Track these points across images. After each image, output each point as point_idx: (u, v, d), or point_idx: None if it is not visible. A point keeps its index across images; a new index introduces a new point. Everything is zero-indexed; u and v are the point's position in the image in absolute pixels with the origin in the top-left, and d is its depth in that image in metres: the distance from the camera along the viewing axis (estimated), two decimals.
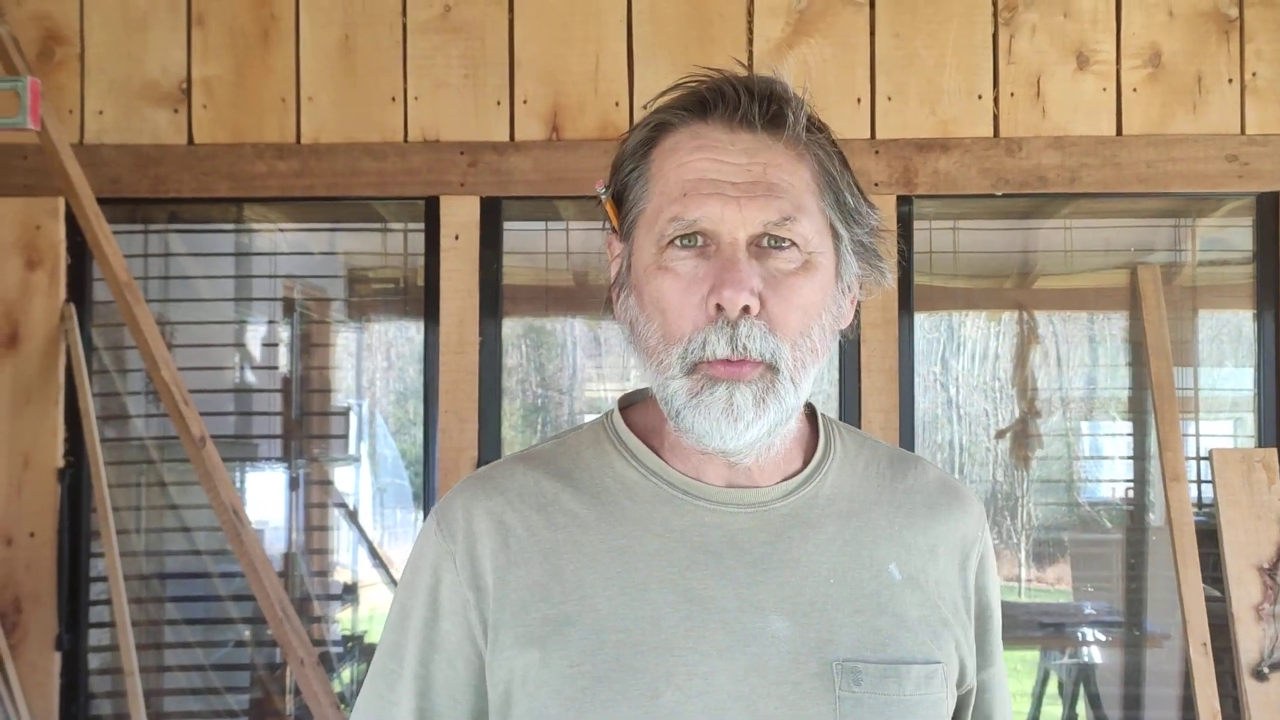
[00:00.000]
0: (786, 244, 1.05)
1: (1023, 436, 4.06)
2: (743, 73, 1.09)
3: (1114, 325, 3.94)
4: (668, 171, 1.07)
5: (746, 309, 1.02)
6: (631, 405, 1.19)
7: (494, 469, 1.15)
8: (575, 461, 1.14)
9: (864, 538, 1.12)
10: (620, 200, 1.11)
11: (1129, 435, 3.98)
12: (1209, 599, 3.09)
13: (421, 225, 3.14)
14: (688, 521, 1.09)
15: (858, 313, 3.22)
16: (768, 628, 1.05)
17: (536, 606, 1.06)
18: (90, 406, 3.00)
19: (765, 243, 1.04)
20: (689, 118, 1.07)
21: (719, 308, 1.02)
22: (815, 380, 1.09)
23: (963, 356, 4.19)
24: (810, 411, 1.19)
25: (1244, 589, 2.99)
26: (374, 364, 4.28)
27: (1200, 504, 3.41)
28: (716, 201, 1.03)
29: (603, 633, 1.04)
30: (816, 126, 1.09)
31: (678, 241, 1.04)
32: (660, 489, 1.10)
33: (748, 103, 1.06)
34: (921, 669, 1.07)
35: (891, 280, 1.15)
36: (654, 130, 1.09)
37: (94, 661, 3.13)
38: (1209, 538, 3.14)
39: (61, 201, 3.04)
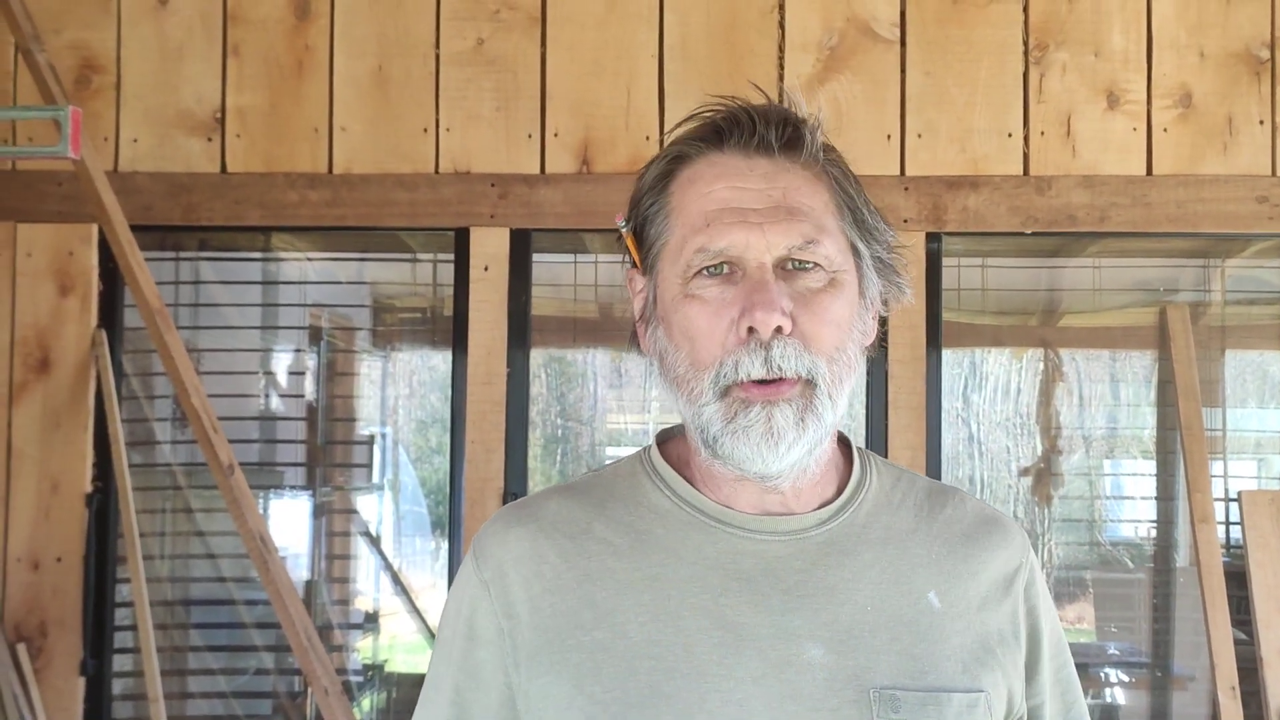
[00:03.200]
0: (810, 265, 1.06)
1: (1046, 474, 4.05)
2: (757, 98, 1.11)
3: (1141, 364, 3.94)
4: (689, 203, 1.07)
5: (779, 329, 1.03)
6: (668, 440, 1.19)
7: (528, 499, 1.16)
8: (609, 492, 1.14)
9: (901, 565, 1.11)
10: (640, 235, 1.12)
11: (1153, 475, 3.97)
12: (1236, 642, 3.07)
13: (450, 256, 3.15)
14: (721, 549, 1.08)
15: (885, 347, 3.22)
16: (803, 655, 1.04)
17: (570, 634, 1.05)
18: (119, 432, 3.01)
19: (789, 265, 1.05)
20: (705, 148, 1.08)
21: (751, 330, 1.02)
22: (846, 405, 1.09)
23: (986, 392, 4.18)
24: (845, 442, 1.18)
25: (1273, 632, 2.97)
26: (399, 393, 4.30)
27: (1228, 545, 3.39)
28: (741, 229, 1.04)
29: (635, 659, 1.03)
30: (829, 147, 1.11)
31: (704, 271, 1.05)
32: (693, 517, 1.10)
33: (763, 128, 1.07)
34: (963, 697, 1.05)
35: (911, 296, 1.17)
36: (671, 163, 1.10)
37: (117, 687, 3.13)
38: (1236, 580, 3.12)
39: (95, 228, 3.06)
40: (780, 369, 1.03)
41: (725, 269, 1.05)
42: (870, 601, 1.08)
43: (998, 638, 1.11)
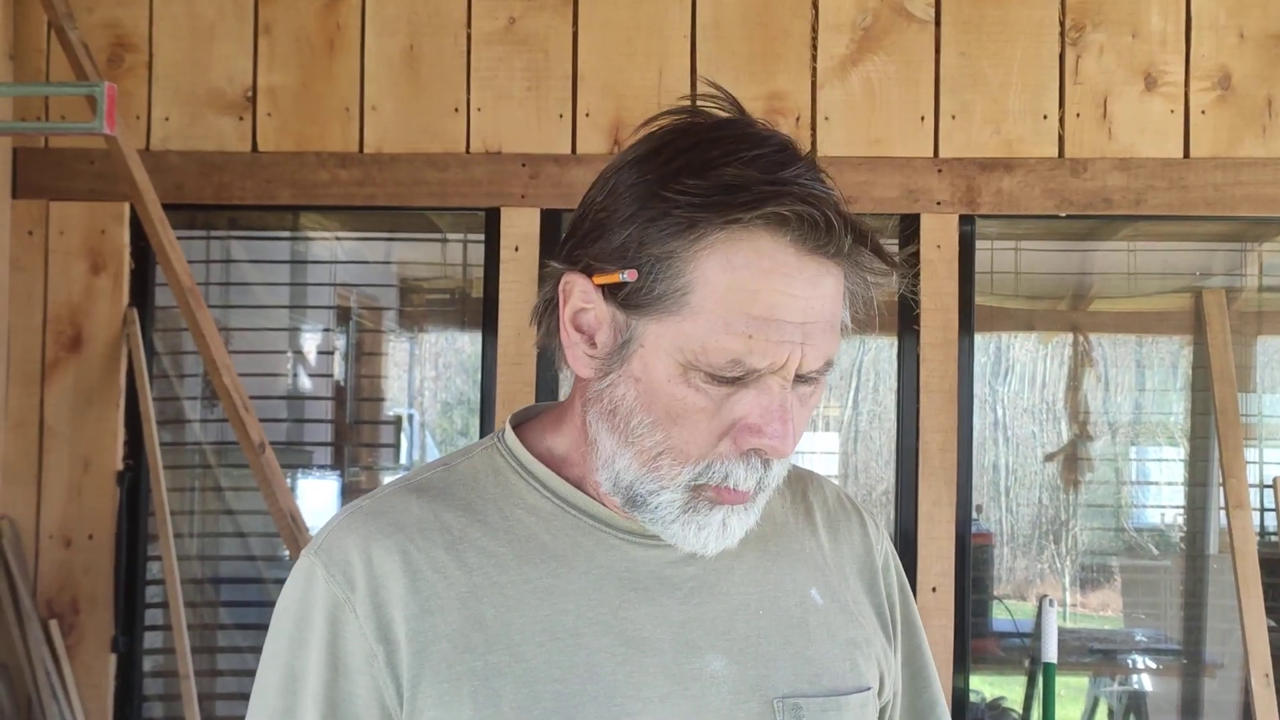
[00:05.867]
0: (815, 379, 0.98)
1: (1075, 460, 4.03)
2: (809, 162, 0.96)
3: (1180, 349, 3.90)
4: (725, 289, 0.93)
5: None
6: (524, 425, 1.09)
7: (382, 502, 1.03)
8: (475, 492, 1.04)
9: (783, 563, 1.08)
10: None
11: (1182, 460, 3.94)
12: (1269, 629, 3.05)
13: (480, 236, 3.14)
14: (614, 557, 1.02)
15: (916, 330, 3.17)
16: (706, 668, 1.00)
17: (460, 659, 0.96)
18: (150, 410, 3.02)
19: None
20: (759, 229, 0.92)
21: (757, 450, 0.96)
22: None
23: (1020, 378, 4.15)
24: None
25: None
26: (427, 374, 4.30)
27: (1262, 532, 3.37)
28: (784, 349, 0.93)
29: (537, 684, 0.96)
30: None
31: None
32: (580, 521, 1.03)
33: (838, 235, 0.93)
34: (857, 698, 1.05)
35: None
36: (716, 225, 0.92)
37: (148, 664, 3.15)
38: (1269, 566, 3.09)
39: (126, 207, 3.07)
40: (765, 483, 0.98)
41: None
42: (761, 605, 1.05)
43: (871, 629, 1.11)
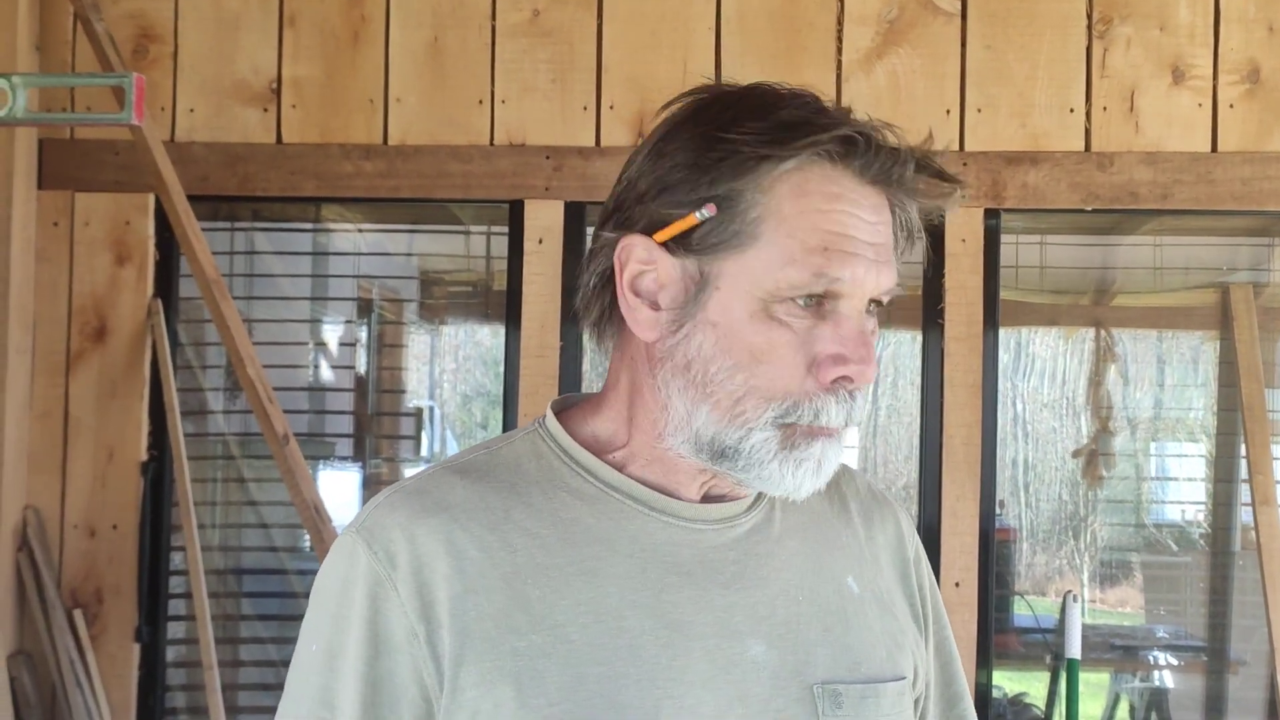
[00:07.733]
0: (876, 308, 1.01)
1: (1095, 455, 4.01)
2: (850, 108, 1.02)
3: (1203, 344, 3.89)
4: (798, 214, 0.96)
5: None
6: (564, 411, 1.09)
7: (425, 482, 1.03)
8: (519, 475, 1.04)
9: (821, 551, 1.09)
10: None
11: (1204, 456, 3.92)
12: None
13: (503, 228, 3.14)
14: (658, 540, 1.02)
15: (941, 324, 3.16)
16: (747, 653, 1.00)
17: (503, 639, 0.96)
18: (174, 401, 3.03)
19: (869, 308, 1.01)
20: (820, 157, 0.97)
21: (840, 378, 0.97)
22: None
23: (1046, 373, 4.14)
24: None
25: None
26: (448, 366, 4.31)
27: None
28: (861, 265, 0.96)
29: (581, 666, 0.96)
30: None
31: (799, 298, 0.96)
32: (624, 505, 1.03)
33: (888, 158, 0.98)
34: (894, 686, 1.05)
35: None
36: (780, 158, 0.97)
37: (171, 654, 3.16)
38: None
39: (151, 198, 3.07)
40: (852, 417, 0.99)
41: (817, 300, 0.97)
42: (800, 591, 1.05)
43: (904, 617, 1.12)
